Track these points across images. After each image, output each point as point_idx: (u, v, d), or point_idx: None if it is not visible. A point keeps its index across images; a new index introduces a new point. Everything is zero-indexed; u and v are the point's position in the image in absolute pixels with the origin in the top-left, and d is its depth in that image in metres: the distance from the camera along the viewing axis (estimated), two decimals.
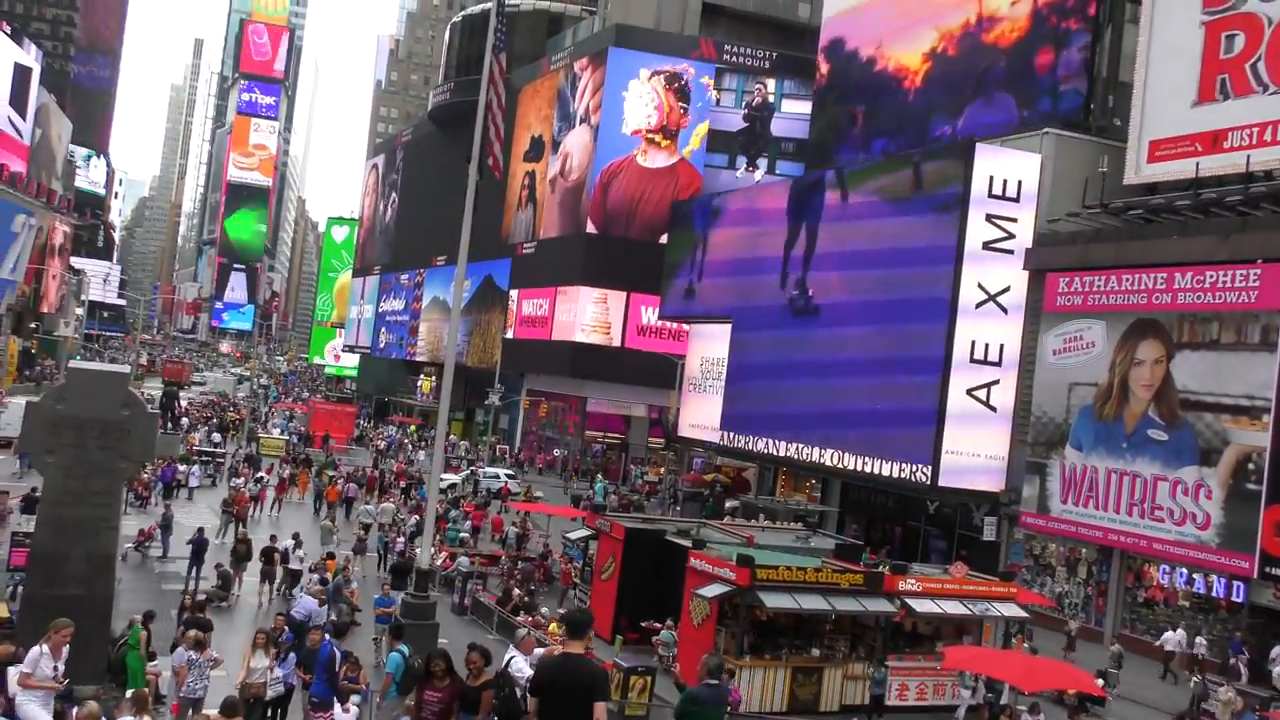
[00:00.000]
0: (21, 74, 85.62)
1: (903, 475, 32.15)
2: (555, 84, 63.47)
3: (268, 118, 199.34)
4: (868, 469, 33.71)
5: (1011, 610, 21.89)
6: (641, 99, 57.77)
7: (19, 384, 70.00)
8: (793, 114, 57.75)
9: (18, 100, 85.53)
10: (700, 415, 44.52)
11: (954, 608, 21.11)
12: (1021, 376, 31.27)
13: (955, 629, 21.98)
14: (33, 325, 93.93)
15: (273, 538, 25.49)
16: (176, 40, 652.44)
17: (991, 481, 31.43)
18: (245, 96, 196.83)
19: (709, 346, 44.59)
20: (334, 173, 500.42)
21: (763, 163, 58.57)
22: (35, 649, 11.74)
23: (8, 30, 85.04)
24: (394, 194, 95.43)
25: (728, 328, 42.22)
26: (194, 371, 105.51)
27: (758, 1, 63.48)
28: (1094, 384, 29.02)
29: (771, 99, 58.94)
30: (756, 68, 59.00)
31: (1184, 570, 26.43)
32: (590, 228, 57.95)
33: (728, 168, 58.18)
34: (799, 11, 63.03)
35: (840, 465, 35.12)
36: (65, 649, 12.02)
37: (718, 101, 58.65)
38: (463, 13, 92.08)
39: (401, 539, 27.67)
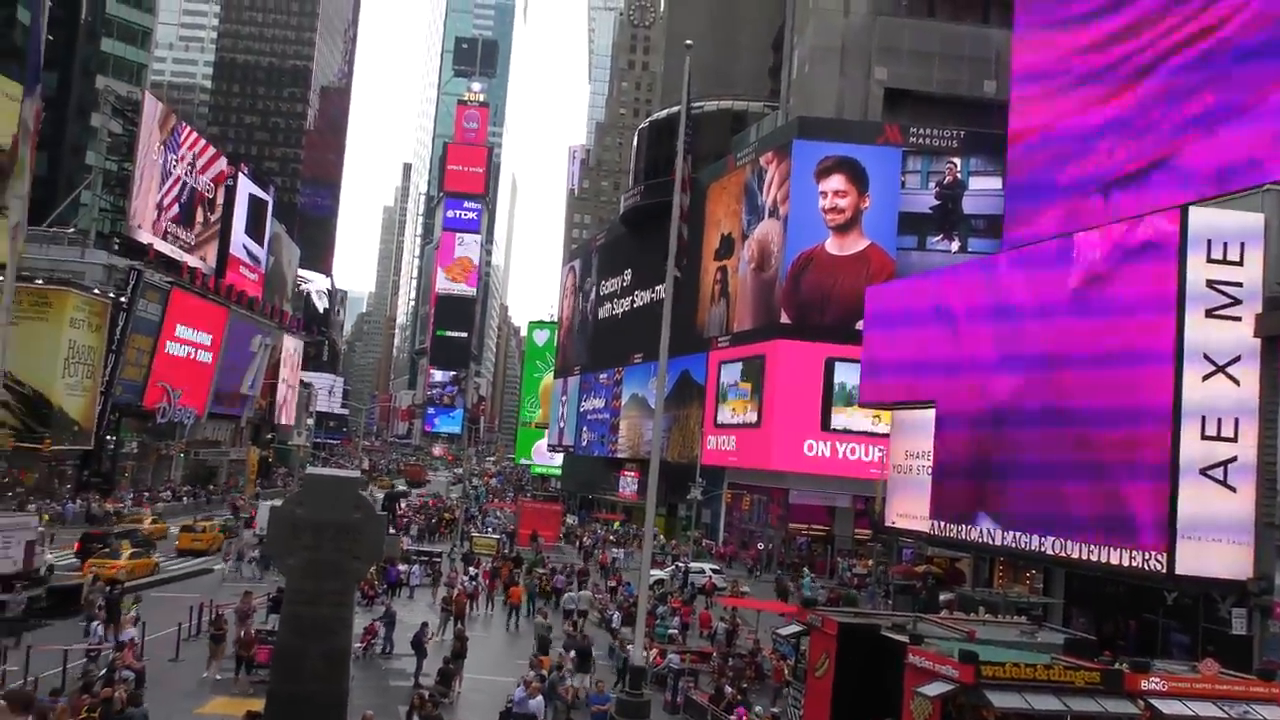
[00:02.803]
0: (257, 207, 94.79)
1: (1134, 564, 29.89)
2: (742, 179, 64.58)
3: (471, 232, 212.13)
4: (1094, 558, 31.55)
5: (1276, 714, 19.75)
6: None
7: (261, 490, 75.60)
8: (981, 190, 56.70)
9: (254, 230, 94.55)
10: (908, 505, 43.01)
11: (1207, 710, 19.19)
12: (1262, 452, 28.71)
13: None
14: (269, 436, 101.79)
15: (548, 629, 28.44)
16: (387, 166, 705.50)
17: (1236, 568, 28.69)
18: (450, 213, 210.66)
19: (914, 433, 43.28)
20: (533, 279, 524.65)
21: (956, 239, 57.46)
22: None
23: (246, 170, 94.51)
24: (591, 296, 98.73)
25: (931, 413, 40.93)
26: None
27: (942, 81, 62.81)
28: None
29: (960, 176, 57.95)
30: (943, 148, 58.27)
31: None
32: (784, 318, 58.02)
33: (918, 249, 57.28)
34: (985, 88, 61.99)
35: (1063, 554, 33.04)
36: None
37: (903, 184, 58.13)
38: (648, 119, 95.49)
39: (638, 648, 27.45)
